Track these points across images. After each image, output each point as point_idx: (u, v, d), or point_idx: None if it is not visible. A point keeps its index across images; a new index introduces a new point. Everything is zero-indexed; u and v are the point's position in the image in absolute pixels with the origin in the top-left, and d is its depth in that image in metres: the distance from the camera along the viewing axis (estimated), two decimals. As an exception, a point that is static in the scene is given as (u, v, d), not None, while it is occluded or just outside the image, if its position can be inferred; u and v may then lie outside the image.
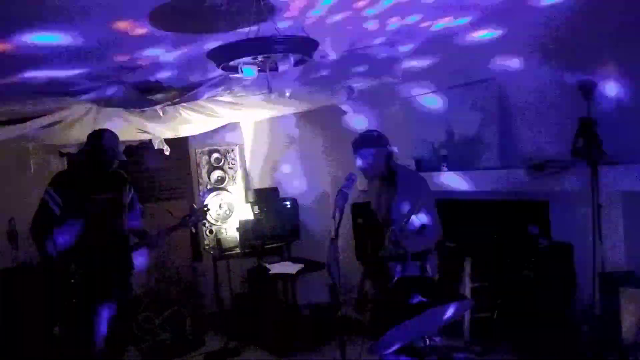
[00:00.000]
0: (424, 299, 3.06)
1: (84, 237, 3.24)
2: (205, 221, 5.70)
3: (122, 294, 3.48)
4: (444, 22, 2.86)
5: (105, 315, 3.34)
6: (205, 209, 3.91)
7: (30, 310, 4.28)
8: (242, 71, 2.21)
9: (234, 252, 5.57)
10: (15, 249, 4.68)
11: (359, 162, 3.27)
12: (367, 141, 3.25)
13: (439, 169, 4.26)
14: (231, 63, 2.17)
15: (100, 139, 3.34)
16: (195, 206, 4.05)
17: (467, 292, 3.83)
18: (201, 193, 5.97)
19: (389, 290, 3.33)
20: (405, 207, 3.12)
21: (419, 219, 3.08)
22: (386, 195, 3.29)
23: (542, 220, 3.65)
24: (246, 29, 2.36)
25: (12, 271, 4.54)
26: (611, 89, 3.28)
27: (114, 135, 3.40)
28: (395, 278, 3.21)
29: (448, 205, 4.09)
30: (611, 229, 3.23)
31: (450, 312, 2.49)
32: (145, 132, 4.66)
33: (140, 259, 3.66)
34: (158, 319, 5.11)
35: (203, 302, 5.75)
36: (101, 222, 3.33)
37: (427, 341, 2.85)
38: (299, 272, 4.71)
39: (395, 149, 3.30)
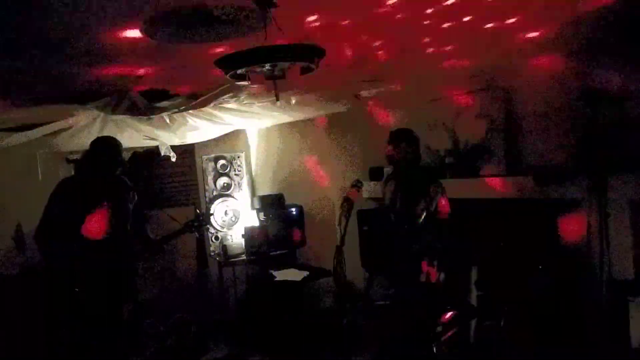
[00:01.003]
0: (430, 307, 3.06)
1: (88, 244, 3.26)
2: (209, 226, 5.73)
3: (126, 300, 3.50)
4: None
5: (110, 321, 3.35)
6: (210, 212, 3.94)
7: (37, 315, 4.30)
8: (249, 79, 2.23)
9: (239, 258, 5.59)
10: (22, 254, 4.72)
11: (393, 151, 3.47)
12: (408, 136, 3.52)
13: (444, 177, 4.25)
14: (238, 71, 2.18)
15: (102, 146, 3.37)
16: (198, 211, 4.07)
17: (474, 300, 3.81)
18: (207, 200, 5.99)
19: (395, 297, 3.33)
20: (421, 205, 3.19)
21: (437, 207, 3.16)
22: (402, 193, 3.34)
23: (549, 229, 3.63)
24: (253, 37, 2.38)
25: (19, 276, 4.57)
26: (617, 96, 3.27)
27: (116, 143, 3.42)
28: (402, 285, 3.22)
29: (454, 213, 4.08)
30: (618, 237, 3.21)
31: (457, 320, 2.48)
32: (152, 139, 4.69)
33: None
34: (163, 325, 5.12)
35: (208, 309, 5.76)
36: (105, 229, 3.34)
37: (434, 349, 2.85)
38: (304, 279, 4.71)
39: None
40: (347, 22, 2.44)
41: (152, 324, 5.07)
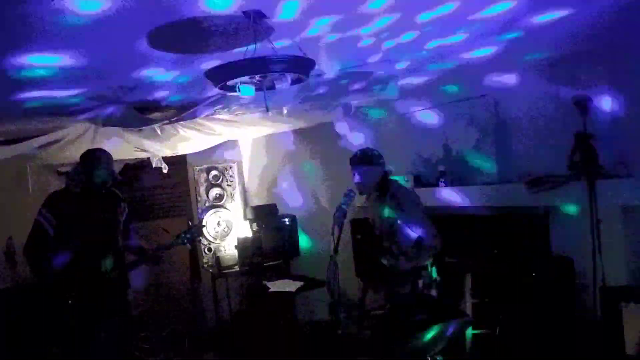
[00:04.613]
0: (425, 316, 3.05)
1: (79, 258, 3.22)
2: (201, 238, 5.69)
3: (119, 313, 3.46)
4: (439, 40, 2.88)
5: (103, 335, 3.30)
6: (202, 224, 3.91)
7: (29, 330, 4.24)
8: (239, 90, 2.23)
9: (232, 270, 5.55)
10: (13, 268, 4.66)
11: (356, 178, 3.34)
12: (364, 159, 3.34)
13: (437, 185, 4.26)
14: (229, 82, 2.18)
15: (93, 159, 3.34)
16: (190, 223, 4.04)
17: (468, 308, 3.80)
18: (200, 211, 5.96)
19: (390, 307, 3.32)
20: (399, 222, 3.18)
21: (415, 232, 3.14)
22: (381, 211, 3.34)
23: (542, 235, 3.64)
24: (243, 49, 2.39)
25: (10, 291, 4.51)
26: (606, 103, 3.30)
27: (107, 155, 3.40)
28: (397, 294, 3.21)
29: (447, 221, 4.08)
30: (611, 243, 3.22)
31: (451, 329, 2.47)
32: (143, 150, 4.67)
33: (137, 279, 3.64)
34: (157, 339, 5.06)
35: (202, 321, 5.71)
36: (96, 242, 3.31)
37: (429, 359, 2.83)
38: (298, 290, 4.68)
39: (391, 168, 3.37)
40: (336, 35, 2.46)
41: (145, 338, 5.02)
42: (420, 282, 3.18)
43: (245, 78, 2.17)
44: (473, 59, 3.41)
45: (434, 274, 3.29)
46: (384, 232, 3.38)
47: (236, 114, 4.22)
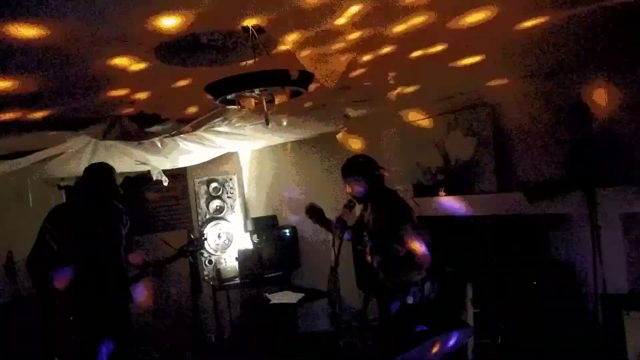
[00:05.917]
0: (426, 327, 3.04)
1: (82, 272, 3.22)
2: (203, 250, 5.69)
3: (121, 327, 3.45)
4: (435, 50, 2.90)
5: (104, 349, 3.30)
6: (203, 238, 3.92)
7: (29, 345, 4.23)
8: (239, 104, 2.25)
9: (233, 282, 5.54)
10: (13, 283, 4.65)
11: (347, 188, 3.33)
12: (353, 168, 3.31)
13: (436, 194, 4.27)
14: (228, 96, 2.20)
15: (96, 173, 3.36)
16: (192, 236, 4.05)
17: (470, 317, 3.79)
18: (200, 223, 5.96)
19: (391, 318, 3.31)
20: (388, 233, 3.15)
21: (402, 248, 3.10)
22: (372, 220, 3.32)
23: (542, 243, 3.64)
24: (242, 63, 2.41)
25: (10, 305, 4.50)
26: (605, 110, 3.31)
27: (110, 169, 3.42)
28: (397, 306, 3.19)
29: (447, 230, 4.09)
30: (611, 250, 3.23)
31: (453, 340, 2.46)
32: (143, 163, 4.68)
33: (139, 293, 3.63)
34: (158, 352, 5.04)
35: (203, 334, 5.68)
36: (99, 255, 3.32)
37: (431, 370, 2.81)
38: (299, 301, 4.67)
39: (385, 173, 3.34)
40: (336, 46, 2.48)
41: (147, 352, 5.00)
42: (410, 299, 3.14)
43: (245, 92, 2.18)
44: (469, 68, 3.42)
45: (426, 291, 3.24)
46: (371, 245, 3.35)
47: (236, 126, 4.24)
